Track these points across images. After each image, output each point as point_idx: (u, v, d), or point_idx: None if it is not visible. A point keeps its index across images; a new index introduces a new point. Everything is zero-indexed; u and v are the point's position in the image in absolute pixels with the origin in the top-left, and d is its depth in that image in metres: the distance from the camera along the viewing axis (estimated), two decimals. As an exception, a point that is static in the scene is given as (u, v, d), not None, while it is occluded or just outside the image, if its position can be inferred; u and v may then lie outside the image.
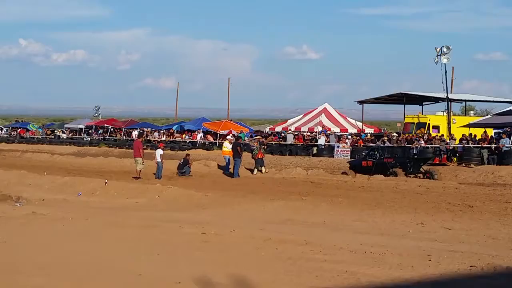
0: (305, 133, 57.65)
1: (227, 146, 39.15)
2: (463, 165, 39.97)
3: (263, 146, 38.34)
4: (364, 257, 14.08)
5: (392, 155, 38.49)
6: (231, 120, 73.38)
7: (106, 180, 29.29)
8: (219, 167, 40.83)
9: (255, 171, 37.87)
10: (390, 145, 44.79)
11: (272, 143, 54.86)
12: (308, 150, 52.18)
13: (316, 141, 53.15)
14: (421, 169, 36.62)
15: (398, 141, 47.22)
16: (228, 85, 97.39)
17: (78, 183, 29.81)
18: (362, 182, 32.77)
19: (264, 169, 38.00)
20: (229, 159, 38.41)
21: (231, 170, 37.50)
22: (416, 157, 39.79)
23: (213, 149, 59.48)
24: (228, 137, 43.01)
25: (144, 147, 40.15)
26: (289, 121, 63.73)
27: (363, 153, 41.63)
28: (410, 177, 35.12)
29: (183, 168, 37.42)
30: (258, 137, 40.71)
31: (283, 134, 58.97)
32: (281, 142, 55.89)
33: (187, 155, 39.28)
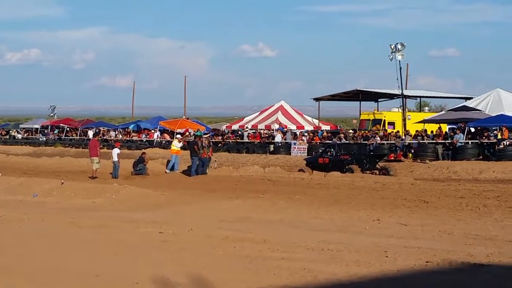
0: (262, 131, 57.82)
1: (176, 145, 38.83)
2: (419, 161, 40.42)
3: (210, 146, 37.98)
4: (321, 254, 14.15)
5: (348, 152, 39.28)
6: (188, 119, 73.33)
7: (63, 181, 29.08)
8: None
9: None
10: (346, 142, 45.18)
11: (229, 141, 54.95)
12: (265, 148, 52.35)
13: (273, 138, 53.32)
14: (377, 166, 37.12)
15: (354, 138, 47.58)
16: (185, 84, 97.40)
17: (34, 183, 29.54)
18: (319, 180, 32.88)
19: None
20: (175, 158, 38.22)
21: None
22: (371, 153, 40.44)
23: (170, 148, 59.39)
24: (178, 136, 42.72)
25: (101, 146, 39.80)
26: (246, 119, 63.90)
27: (320, 150, 41.90)
28: (366, 173, 35.43)
29: (138, 166, 37.21)
30: (206, 135, 40.57)
31: (239, 132, 59.12)
32: (238, 140, 56.01)
33: (143, 153, 39.09)
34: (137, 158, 38.12)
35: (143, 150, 44.05)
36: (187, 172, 36.56)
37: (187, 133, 59.53)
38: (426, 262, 13.23)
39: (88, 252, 14.63)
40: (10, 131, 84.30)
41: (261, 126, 59.40)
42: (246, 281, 11.87)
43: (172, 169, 37.81)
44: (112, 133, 71.45)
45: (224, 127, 65.70)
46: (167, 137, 63.69)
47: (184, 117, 75.98)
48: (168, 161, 38.91)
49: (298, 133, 55.38)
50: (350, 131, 53.27)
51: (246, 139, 55.51)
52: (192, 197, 26.00)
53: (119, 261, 13.63)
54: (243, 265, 13.06)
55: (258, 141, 54.41)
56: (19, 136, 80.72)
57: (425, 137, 43.97)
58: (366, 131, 49.47)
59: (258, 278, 12.06)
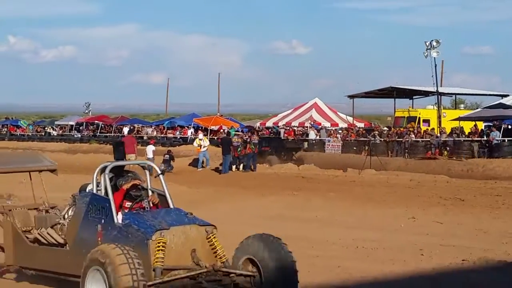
0: (295, 128, 57.68)
1: (202, 143, 38.98)
2: (454, 158, 40.07)
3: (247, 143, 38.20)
4: (356, 252, 14.13)
5: (269, 145, 44.41)
6: (221, 116, 73.39)
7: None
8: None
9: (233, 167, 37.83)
10: (267, 136, 52.68)
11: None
12: (299, 145, 52.21)
13: (307, 135, 53.18)
14: (293, 157, 41.94)
15: (389, 135, 47.36)
16: (218, 80, 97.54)
17: (71, 180, 29.70)
18: (354, 177, 32.83)
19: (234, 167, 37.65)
20: (204, 155, 38.46)
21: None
22: (288, 147, 46.46)
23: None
24: (200, 135, 42.59)
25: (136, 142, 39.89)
26: (279, 116, 63.75)
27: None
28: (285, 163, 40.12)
29: (169, 163, 37.32)
30: (241, 134, 41.07)
31: (274, 130, 59.02)
32: (272, 137, 55.91)
33: (169, 151, 39.27)
34: (167, 156, 38.03)
35: (169, 148, 44.23)
36: (220, 170, 36.63)
37: (221, 130, 59.63)
38: (462, 260, 13.16)
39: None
40: (46, 128, 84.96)
41: (295, 123, 59.28)
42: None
43: (202, 166, 37.90)
44: (148, 130, 71.72)
45: (258, 124, 65.67)
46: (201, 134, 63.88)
47: (218, 114, 76.10)
48: (197, 159, 38.93)
49: (332, 130, 55.18)
50: (385, 128, 53.01)
51: (282, 137, 55.39)
52: (226, 194, 26.04)
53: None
54: (277, 262, 13.02)
55: (292, 138, 54.30)
56: (54, 133, 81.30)
57: (460, 134, 43.64)
58: (401, 128, 49.15)
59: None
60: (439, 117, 48.82)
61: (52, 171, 14.40)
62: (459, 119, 47.05)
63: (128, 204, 10.62)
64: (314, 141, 51.43)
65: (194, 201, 23.69)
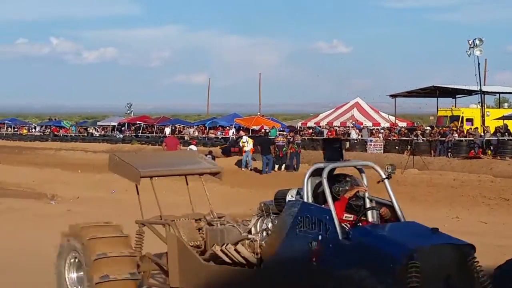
0: (337, 128, 57.59)
1: (246, 144, 39.12)
2: (498, 158, 39.67)
3: (289, 143, 38.33)
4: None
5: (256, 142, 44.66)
6: (263, 116, 73.38)
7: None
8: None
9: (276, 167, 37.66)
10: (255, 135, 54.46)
11: (305, 138, 54.84)
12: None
13: (349, 135, 53.05)
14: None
15: (432, 135, 47.07)
16: (259, 80, 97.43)
17: (112, 180, 29.84)
18: (397, 177, 32.48)
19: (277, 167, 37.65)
20: (247, 155, 38.53)
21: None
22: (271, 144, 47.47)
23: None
24: (244, 137, 42.47)
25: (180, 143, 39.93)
26: (321, 116, 63.72)
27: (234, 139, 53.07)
28: None
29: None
30: (285, 133, 41.44)
31: (314, 129, 58.97)
32: (313, 137, 55.86)
33: (210, 151, 39.40)
34: (210, 156, 38.06)
35: (210, 149, 44.37)
36: (260, 170, 36.64)
37: (262, 130, 59.67)
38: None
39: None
40: (88, 129, 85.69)
41: (336, 123, 59.20)
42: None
43: (246, 166, 37.97)
44: (190, 130, 71.98)
45: (299, 124, 65.63)
46: (242, 134, 63.98)
47: (259, 114, 76.12)
48: (241, 160, 39.01)
49: (374, 130, 54.98)
50: (427, 127, 52.67)
51: (324, 137, 55.34)
52: (268, 194, 25.74)
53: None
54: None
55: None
56: (97, 133, 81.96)
57: (505, 133, 43.18)
58: (444, 128, 48.81)
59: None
60: (483, 116, 48.47)
61: (215, 174, 12.75)
62: (503, 117, 46.63)
63: (347, 216, 8.74)
64: (356, 141, 51.30)
65: (236, 201, 23.77)
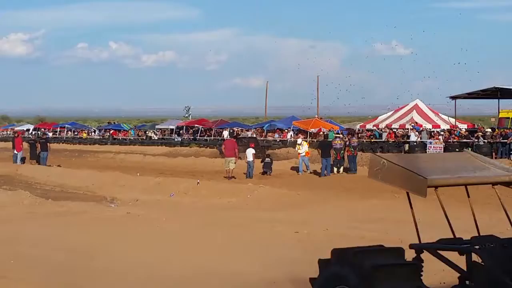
0: (396, 130, 57.10)
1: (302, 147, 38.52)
2: None
3: (347, 146, 38.06)
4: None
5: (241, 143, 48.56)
6: (321, 118, 73.09)
7: (198, 180, 29.37)
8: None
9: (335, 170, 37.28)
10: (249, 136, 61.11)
11: (363, 141, 54.48)
12: (399, 147, 51.65)
13: (408, 137, 52.56)
14: (266, 153, 41.98)
15: (493, 136, 46.39)
16: (317, 83, 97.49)
17: (170, 183, 29.97)
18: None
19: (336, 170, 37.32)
20: (302, 160, 38.08)
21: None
22: (262, 145, 52.10)
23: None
24: (299, 140, 42.00)
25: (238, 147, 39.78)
26: (380, 118, 63.21)
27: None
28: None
29: (270, 167, 37.40)
30: (341, 136, 41.31)
31: (373, 132, 58.56)
32: (372, 140, 55.51)
33: (268, 155, 39.25)
34: (268, 159, 37.98)
35: (267, 152, 44.09)
36: (319, 173, 36.43)
37: (320, 133, 59.42)
38: None
39: (225, 251, 14.69)
40: (147, 132, 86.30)
41: (395, 125, 58.66)
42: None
43: (303, 170, 37.62)
44: (248, 133, 72.00)
45: (357, 126, 65.21)
46: (301, 137, 63.83)
47: (317, 116, 75.85)
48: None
49: (433, 132, 54.37)
50: (488, 129, 51.88)
51: (383, 139, 54.96)
52: (327, 196, 25.84)
53: (256, 261, 13.61)
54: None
55: (393, 140, 53.75)
56: (155, 136, 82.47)
57: None
58: (506, 129, 48.02)
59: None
60: (545, 117, 47.56)
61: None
62: None
63: None
64: (415, 143, 50.79)
65: (294, 204, 23.66)
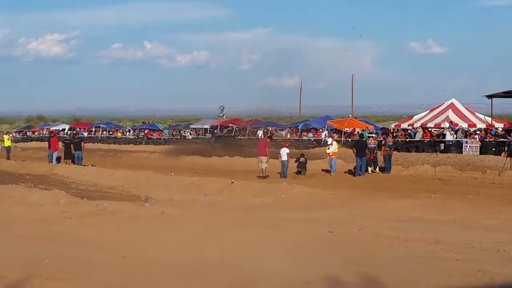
0: (431, 129, 56.79)
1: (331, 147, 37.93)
2: None
3: (381, 145, 37.84)
4: (497, 255, 13.64)
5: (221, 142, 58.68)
6: (355, 118, 72.93)
7: (232, 180, 29.37)
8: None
9: (369, 169, 36.96)
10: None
11: (398, 140, 54.25)
12: (435, 147, 51.38)
13: (444, 137, 52.26)
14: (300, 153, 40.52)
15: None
16: (352, 82, 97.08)
17: (205, 183, 30.00)
18: (493, 179, 31.94)
19: (370, 169, 37.03)
20: (332, 160, 37.57)
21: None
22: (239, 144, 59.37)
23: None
24: (329, 140, 41.47)
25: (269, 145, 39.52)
26: (415, 117, 62.91)
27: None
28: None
29: (304, 166, 37.27)
30: (374, 134, 41.04)
31: (408, 131, 58.28)
32: (407, 139, 55.27)
33: (302, 154, 39.00)
34: (303, 159, 37.82)
35: (302, 152, 43.82)
36: (354, 172, 36.28)
37: (354, 132, 59.27)
38: None
39: (259, 251, 14.68)
40: (181, 132, 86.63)
41: (430, 124, 58.31)
42: (419, 282, 11.63)
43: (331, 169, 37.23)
44: (282, 133, 72.01)
45: (392, 126, 64.93)
46: (335, 137, 63.73)
47: (351, 116, 75.67)
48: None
49: (470, 131, 53.98)
50: (525, 128, 51.46)
51: (418, 138, 54.68)
52: (361, 196, 25.72)
53: (289, 260, 13.59)
54: (415, 266, 12.76)
55: (428, 139, 53.46)
56: (190, 136, 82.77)
57: None
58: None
59: (431, 279, 11.77)
60: None
61: None
62: None
63: None
64: (451, 143, 50.48)
65: (328, 204, 23.58)
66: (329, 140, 40.39)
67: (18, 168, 42.08)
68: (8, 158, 49.57)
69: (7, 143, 52.18)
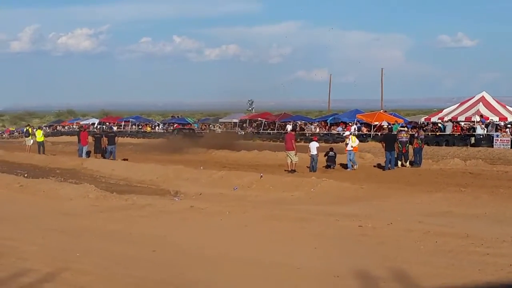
0: (462, 123, 56.45)
1: (351, 142, 36.92)
2: None
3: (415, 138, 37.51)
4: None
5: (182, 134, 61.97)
6: (385, 111, 72.69)
7: (261, 174, 29.37)
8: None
9: (399, 163, 36.56)
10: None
11: (428, 134, 53.95)
12: (465, 140, 51.08)
13: (474, 130, 51.92)
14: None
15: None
16: (381, 76, 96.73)
17: (234, 177, 30.03)
18: (524, 172, 31.68)
19: (400, 163, 36.54)
20: (351, 154, 36.90)
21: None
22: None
23: (368, 141, 59.09)
24: (346, 133, 40.70)
25: (298, 139, 39.32)
26: (445, 111, 62.51)
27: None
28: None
29: (334, 160, 37.10)
30: (406, 129, 40.75)
31: (438, 125, 57.98)
32: (437, 133, 54.98)
33: (331, 148, 38.77)
34: (332, 153, 37.62)
35: (331, 146, 43.55)
36: (383, 166, 36.10)
37: (383, 126, 59.09)
38: None
39: (288, 245, 14.67)
40: (210, 126, 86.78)
41: (461, 118, 57.94)
42: (449, 276, 11.54)
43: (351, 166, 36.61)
44: (312, 127, 71.93)
45: (422, 119, 64.62)
46: (364, 130, 63.54)
47: (381, 110, 75.43)
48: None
49: (501, 125, 53.58)
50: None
51: (448, 132, 54.38)
52: (390, 190, 25.62)
53: (319, 254, 13.57)
54: (446, 260, 12.67)
55: (458, 133, 53.16)
56: (219, 130, 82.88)
57: None
58: None
59: (462, 274, 11.69)
60: None
61: None
62: None
63: None
64: (481, 136, 50.15)
65: (357, 198, 23.52)
66: (347, 132, 39.97)
67: (48, 162, 42.40)
68: (43, 152, 49.67)
69: (41, 138, 52.22)
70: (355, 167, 36.26)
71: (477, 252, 13.34)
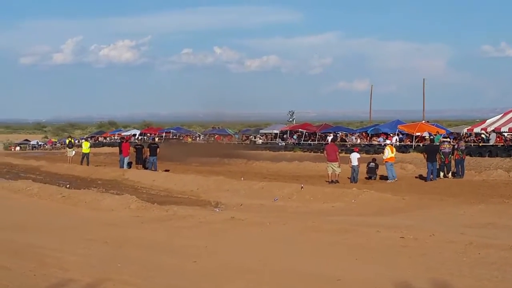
0: (505, 134, 55.89)
1: (387, 152, 36.73)
2: None
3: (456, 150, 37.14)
4: None
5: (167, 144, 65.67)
6: (427, 122, 72.22)
7: (302, 185, 29.30)
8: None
9: (441, 174, 36.21)
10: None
11: (471, 144, 53.50)
12: (509, 151, 50.59)
13: (517, 141, 51.41)
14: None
15: None
16: (423, 86, 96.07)
17: (274, 188, 30.01)
18: None
19: (442, 174, 36.20)
20: (389, 166, 36.60)
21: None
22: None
23: (409, 152, 58.74)
24: (387, 140, 40.33)
25: (339, 151, 39.08)
26: (488, 121, 61.91)
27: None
28: None
29: (375, 171, 36.92)
30: (449, 140, 40.28)
31: (481, 136, 57.47)
32: (480, 144, 54.49)
33: (374, 159, 38.57)
34: (373, 164, 37.45)
35: (373, 157, 43.35)
36: (425, 177, 35.84)
37: (426, 137, 58.71)
38: None
39: (329, 256, 14.59)
40: (251, 137, 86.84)
41: (504, 129, 57.34)
42: (493, 289, 11.39)
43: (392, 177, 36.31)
44: (352, 137, 71.71)
45: (465, 130, 64.10)
46: (406, 141, 63.21)
47: (423, 120, 74.96)
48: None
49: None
50: None
51: (491, 143, 53.83)
52: (432, 201, 25.39)
53: (360, 266, 13.47)
54: (489, 272, 12.50)
55: (502, 144, 52.61)
56: (260, 141, 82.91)
57: None
58: None
59: (505, 286, 11.57)
60: None
61: None
62: None
63: None
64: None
65: (399, 209, 23.34)
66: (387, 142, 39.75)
67: (90, 173, 42.74)
68: (87, 164, 49.73)
69: (87, 149, 52.15)
70: (388, 181, 35.79)
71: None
